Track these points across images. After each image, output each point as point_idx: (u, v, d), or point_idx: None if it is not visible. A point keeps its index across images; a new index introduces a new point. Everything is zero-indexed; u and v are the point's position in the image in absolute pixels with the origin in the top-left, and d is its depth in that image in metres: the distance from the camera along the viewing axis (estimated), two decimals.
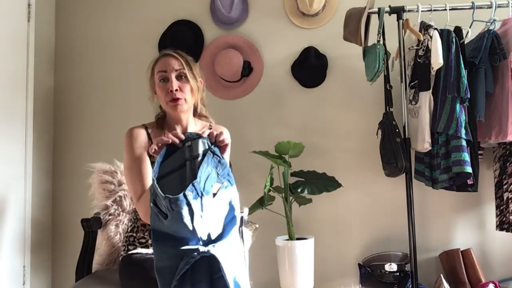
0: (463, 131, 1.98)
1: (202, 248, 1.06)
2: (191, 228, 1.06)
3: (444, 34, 2.05)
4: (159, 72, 1.51)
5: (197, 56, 2.66)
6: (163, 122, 1.60)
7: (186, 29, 2.69)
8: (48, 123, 2.76)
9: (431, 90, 2.09)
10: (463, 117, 2.00)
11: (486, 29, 2.14)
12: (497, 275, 2.34)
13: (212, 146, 1.21)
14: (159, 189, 1.07)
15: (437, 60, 1.98)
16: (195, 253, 1.05)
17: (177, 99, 1.49)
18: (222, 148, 1.23)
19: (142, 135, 1.51)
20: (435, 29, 2.04)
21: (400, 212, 2.31)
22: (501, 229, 2.16)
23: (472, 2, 2.13)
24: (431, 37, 2.02)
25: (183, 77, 1.51)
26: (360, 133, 2.51)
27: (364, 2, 2.20)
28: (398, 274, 2.24)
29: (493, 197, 2.21)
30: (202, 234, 1.09)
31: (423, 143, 2.09)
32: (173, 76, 1.49)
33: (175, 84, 1.49)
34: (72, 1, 2.86)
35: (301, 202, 2.32)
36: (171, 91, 1.48)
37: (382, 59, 2.09)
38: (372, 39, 2.22)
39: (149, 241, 1.49)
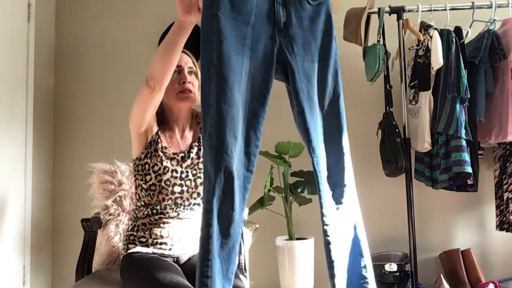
0: (463, 131, 1.98)
1: None
2: None
3: (444, 34, 2.06)
4: None
5: (197, 56, 2.65)
6: (162, 117, 1.62)
7: None
8: (48, 123, 2.76)
9: (431, 90, 2.10)
10: (463, 117, 2.00)
11: (486, 29, 2.14)
12: (497, 275, 2.34)
13: None
14: None
15: (437, 60, 1.98)
16: None
17: (189, 90, 1.55)
18: None
19: None
20: (435, 29, 2.05)
21: (400, 212, 2.31)
22: (501, 229, 2.16)
23: (472, 2, 2.14)
24: (431, 37, 2.03)
25: (193, 74, 1.59)
26: (360, 133, 2.51)
27: (364, 2, 2.20)
28: (398, 274, 2.24)
29: (493, 197, 2.22)
30: None
31: (423, 143, 2.09)
32: (186, 70, 1.57)
33: (188, 77, 1.56)
34: (72, 1, 2.86)
35: (301, 202, 2.32)
36: (184, 82, 1.54)
37: (382, 59, 2.09)
38: (372, 39, 2.23)
39: (149, 240, 1.50)
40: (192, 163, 1.56)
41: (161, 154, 1.53)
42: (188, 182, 1.54)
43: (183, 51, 1.59)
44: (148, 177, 1.53)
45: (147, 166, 1.53)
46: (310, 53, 1.24)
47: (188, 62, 1.59)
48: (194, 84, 1.58)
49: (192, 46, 2.62)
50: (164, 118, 1.62)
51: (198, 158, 1.57)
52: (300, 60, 1.22)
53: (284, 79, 1.25)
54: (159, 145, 1.54)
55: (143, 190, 1.55)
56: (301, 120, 1.23)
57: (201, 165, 1.55)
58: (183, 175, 1.53)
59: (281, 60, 1.22)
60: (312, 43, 1.24)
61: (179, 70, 1.57)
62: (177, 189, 1.52)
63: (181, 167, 1.54)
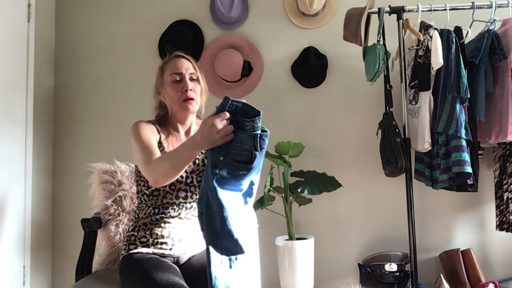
0: (463, 131, 1.98)
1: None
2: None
3: (444, 34, 2.05)
4: (173, 74, 1.56)
5: (197, 56, 2.66)
6: (165, 121, 1.63)
7: (186, 29, 2.69)
8: (48, 123, 2.76)
9: (431, 90, 2.09)
10: (463, 117, 2.00)
11: (486, 29, 2.14)
12: (497, 275, 2.34)
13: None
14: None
15: (437, 60, 1.98)
16: None
17: (191, 98, 1.55)
18: None
19: (150, 126, 1.57)
20: (435, 29, 2.04)
21: (400, 212, 2.31)
22: (501, 229, 2.16)
23: (472, 2, 2.13)
24: (431, 37, 2.02)
25: (195, 79, 1.58)
26: (360, 133, 2.51)
27: (364, 2, 2.20)
28: (398, 274, 2.24)
29: (493, 197, 2.22)
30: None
31: (423, 143, 2.09)
32: (187, 77, 1.55)
33: (190, 84, 1.55)
34: (72, 1, 2.86)
35: (301, 202, 2.32)
36: (186, 90, 1.53)
37: (382, 59, 2.09)
38: (372, 39, 2.22)
39: (150, 240, 1.49)
40: (198, 169, 1.56)
41: None
42: (192, 188, 1.54)
43: (182, 56, 1.60)
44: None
45: None
46: None
47: (189, 68, 1.58)
48: (195, 90, 1.57)
49: (191, 48, 2.65)
50: (169, 121, 1.63)
51: (204, 164, 1.56)
52: None
53: None
54: (163, 152, 1.54)
55: (145, 195, 1.55)
56: None
57: None
58: (188, 180, 1.53)
59: None
60: None
61: (181, 78, 1.56)
62: (181, 194, 1.52)
63: (186, 172, 1.53)
